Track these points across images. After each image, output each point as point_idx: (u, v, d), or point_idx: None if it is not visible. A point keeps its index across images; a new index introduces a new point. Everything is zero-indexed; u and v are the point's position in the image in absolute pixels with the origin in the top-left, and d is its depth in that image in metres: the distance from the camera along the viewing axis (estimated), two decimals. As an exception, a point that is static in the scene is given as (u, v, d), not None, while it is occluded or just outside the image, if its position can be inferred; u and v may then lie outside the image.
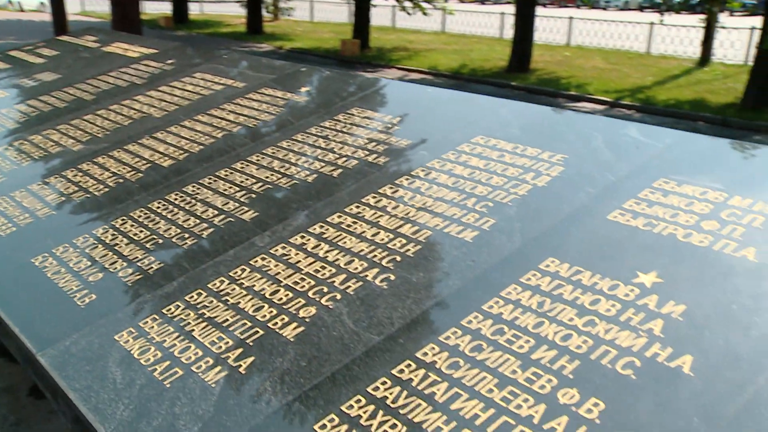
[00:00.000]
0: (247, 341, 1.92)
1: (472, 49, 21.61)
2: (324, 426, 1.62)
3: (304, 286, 2.10)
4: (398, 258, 2.14)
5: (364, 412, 1.63)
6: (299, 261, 2.22)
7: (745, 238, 1.95)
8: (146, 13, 24.09)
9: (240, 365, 1.84)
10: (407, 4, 21.59)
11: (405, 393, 1.66)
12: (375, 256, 2.17)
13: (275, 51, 21.35)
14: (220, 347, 1.92)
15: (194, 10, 30.68)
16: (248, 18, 24.25)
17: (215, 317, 2.04)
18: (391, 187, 2.53)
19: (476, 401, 1.60)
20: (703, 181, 2.23)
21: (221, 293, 2.14)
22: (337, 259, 2.19)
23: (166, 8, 28.54)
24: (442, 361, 1.73)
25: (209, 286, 2.18)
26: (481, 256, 2.08)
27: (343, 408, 1.66)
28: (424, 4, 21.48)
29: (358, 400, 1.67)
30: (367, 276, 2.09)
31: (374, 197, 2.48)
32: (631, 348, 1.66)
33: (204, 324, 2.01)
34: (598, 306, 1.80)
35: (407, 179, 2.56)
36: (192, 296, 2.15)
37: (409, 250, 2.17)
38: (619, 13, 35.17)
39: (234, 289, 2.15)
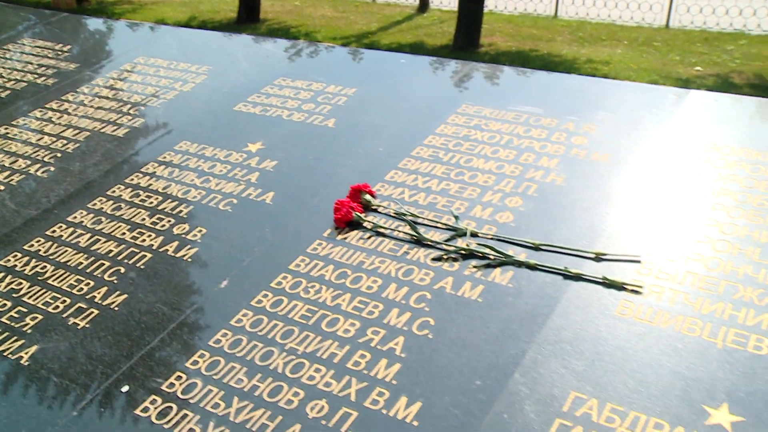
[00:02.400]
0: None
1: (201, 0, 21.42)
2: (-16, 276, 2.00)
3: (-28, 184, 2.42)
4: (59, 155, 2.53)
5: (20, 262, 2.04)
6: (-31, 167, 2.52)
7: (329, 113, 2.59)
8: None
9: None
10: (127, -44, 20.78)
11: (55, 245, 2.09)
12: (38, 155, 2.54)
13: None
14: None
15: None
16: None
17: None
18: (57, 102, 2.88)
19: (113, 242, 2.07)
20: (311, 77, 2.85)
21: None
22: (3, 161, 2.52)
23: None
24: (88, 221, 2.18)
25: None
26: (129, 145, 2.53)
27: (1, 262, 2.05)
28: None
29: (15, 255, 2.07)
30: (30, 170, 2.46)
31: (41, 111, 2.82)
32: (232, 193, 2.22)
33: None
34: (213, 169, 2.34)
35: (72, 95, 2.92)
36: None
37: (69, 147, 2.56)
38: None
39: None
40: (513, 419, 1.44)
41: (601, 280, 1.74)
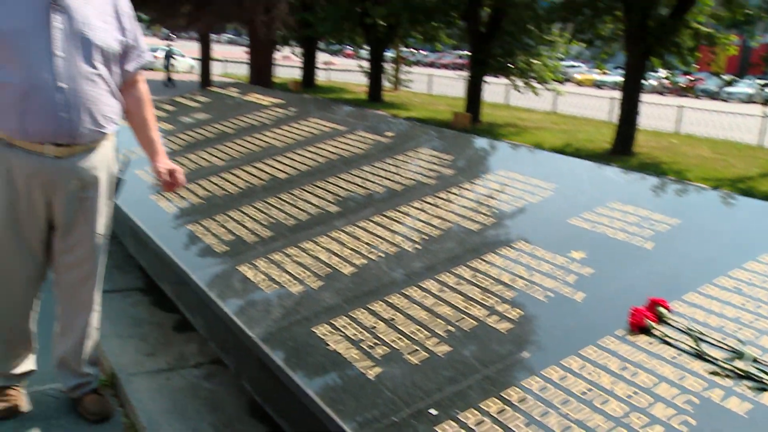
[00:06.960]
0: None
1: (579, 129, 22.42)
2: (355, 313, 2.70)
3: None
4: (425, 237, 3.22)
5: (381, 309, 2.71)
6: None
7: (649, 237, 2.93)
8: (278, 77, 26.20)
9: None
10: (519, 83, 22.82)
11: (406, 301, 2.73)
12: (411, 235, 3.26)
13: (391, 119, 22.87)
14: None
15: (322, 77, 33.01)
16: (370, 86, 26.15)
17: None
18: (432, 198, 3.63)
19: (448, 307, 2.65)
20: (640, 203, 3.21)
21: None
22: (387, 237, 3.29)
23: (297, 74, 30.89)
24: (435, 289, 2.79)
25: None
26: (476, 236, 3.13)
27: (368, 306, 2.74)
28: (536, 85, 22.65)
29: (380, 304, 2.75)
30: (401, 245, 3.18)
31: (419, 203, 3.59)
32: (549, 287, 2.67)
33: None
34: (540, 266, 2.82)
35: (444, 194, 3.65)
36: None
37: (434, 232, 3.25)
38: (741, 105, 34.36)
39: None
40: None
41: None
